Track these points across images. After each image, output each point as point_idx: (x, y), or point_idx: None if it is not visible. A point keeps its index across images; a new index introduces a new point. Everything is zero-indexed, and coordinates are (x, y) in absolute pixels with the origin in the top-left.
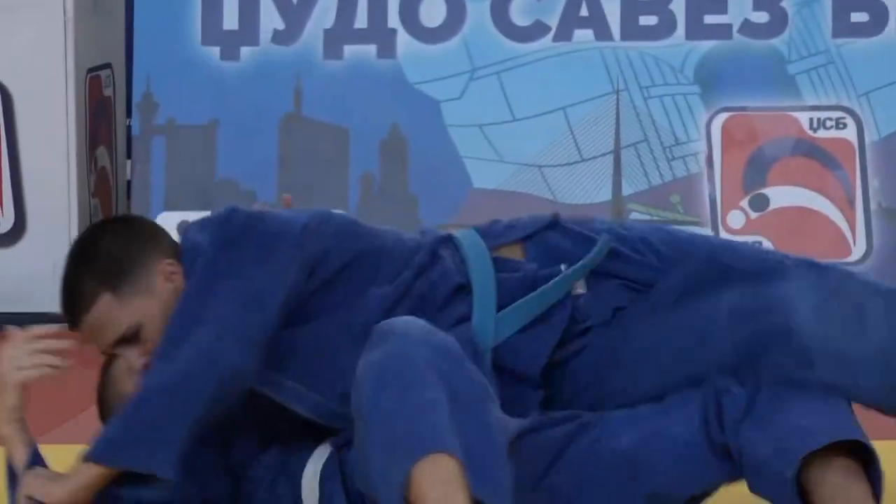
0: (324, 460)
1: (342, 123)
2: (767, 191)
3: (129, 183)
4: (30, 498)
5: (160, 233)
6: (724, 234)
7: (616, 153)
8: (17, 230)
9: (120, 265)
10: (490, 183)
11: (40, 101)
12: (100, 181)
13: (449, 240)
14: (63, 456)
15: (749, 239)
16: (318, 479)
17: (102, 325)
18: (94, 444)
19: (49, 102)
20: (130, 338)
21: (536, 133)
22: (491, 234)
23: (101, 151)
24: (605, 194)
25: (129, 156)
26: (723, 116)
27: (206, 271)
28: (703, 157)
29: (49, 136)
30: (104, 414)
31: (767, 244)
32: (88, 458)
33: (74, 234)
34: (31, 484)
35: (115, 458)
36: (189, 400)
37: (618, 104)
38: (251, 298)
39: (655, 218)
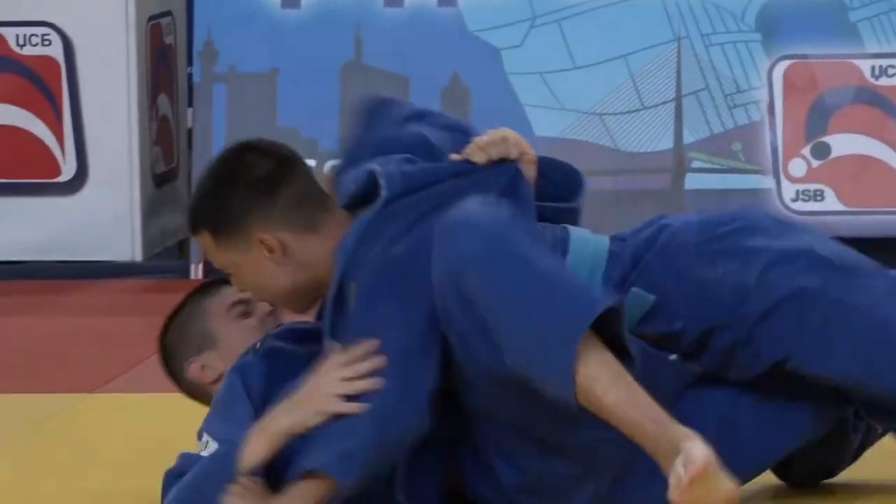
0: None
1: (402, 72)
2: (829, 139)
3: (190, 131)
4: None
5: (283, 196)
6: (785, 183)
7: (677, 101)
8: (79, 179)
9: (224, 216)
10: (551, 131)
11: (102, 50)
12: (161, 129)
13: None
14: (120, 404)
15: (810, 187)
16: None
17: (206, 251)
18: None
19: (110, 51)
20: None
21: (597, 81)
22: None
23: (163, 99)
24: (667, 142)
25: (190, 104)
26: (784, 64)
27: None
28: (764, 105)
29: (110, 84)
30: (166, 358)
31: (829, 192)
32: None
33: (136, 182)
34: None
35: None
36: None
37: (679, 52)
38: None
39: (717, 166)
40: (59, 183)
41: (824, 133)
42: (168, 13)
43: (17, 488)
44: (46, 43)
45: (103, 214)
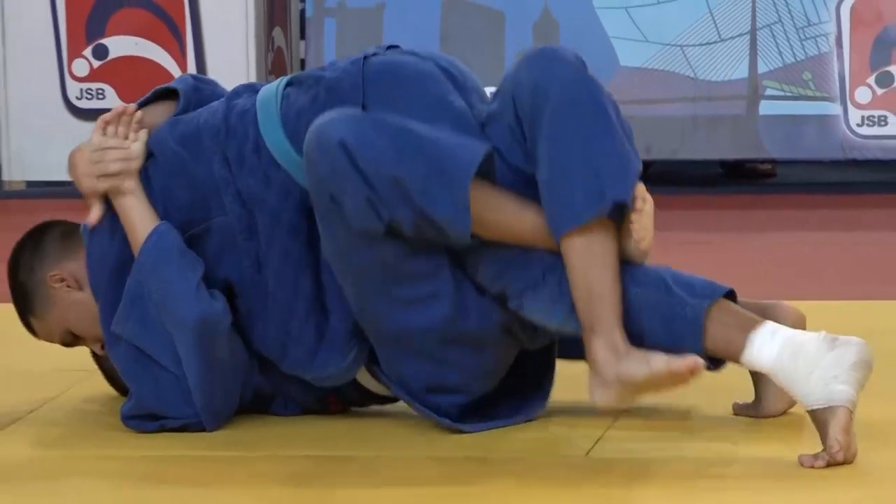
0: None
1: (498, 7)
2: (892, 68)
3: (302, 61)
4: None
5: (45, 244)
6: (852, 109)
7: (752, 34)
8: None
9: (23, 296)
10: (636, 62)
11: None
12: (276, 60)
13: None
14: None
15: (875, 113)
16: None
17: (48, 338)
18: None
19: None
20: (73, 339)
21: (678, 15)
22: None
23: (277, 32)
24: (742, 72)
25: (302, 36)
26: (851, 0)
27: None
28: (832, 38)
29: (230, 18)
30: (104, 368)
31: (892, 118)
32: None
33: None
34: None
35: None
36: None
37: None
38: None
39: (789, 94)
40: None
41: (888, 63)
42: None
43: None
44: None
45: None
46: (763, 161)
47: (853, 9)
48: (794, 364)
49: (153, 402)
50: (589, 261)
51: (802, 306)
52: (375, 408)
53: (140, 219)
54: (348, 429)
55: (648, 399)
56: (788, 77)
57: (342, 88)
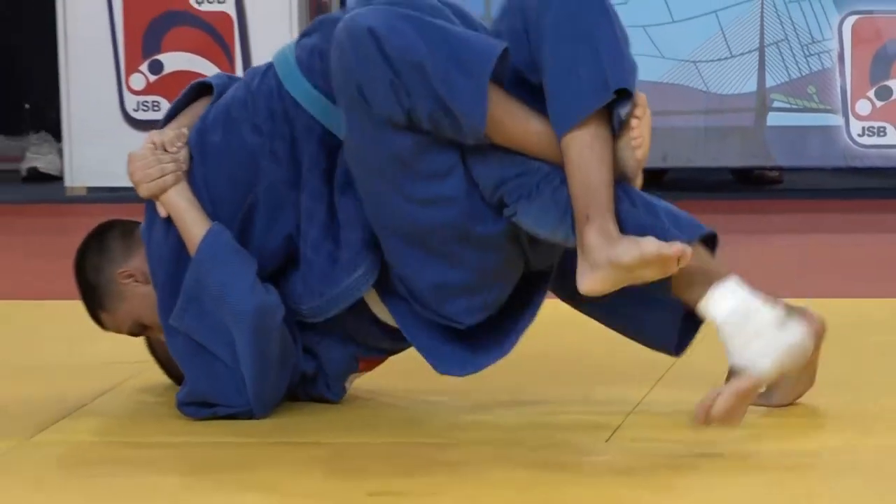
0: None
1: None
2: (891, 82)
3: None
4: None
5: (108, 244)
6: (853, 120)
7: (761, 50)
8: None
9: (94, 290)
10: (652, 76)
11: (268, 5)
12: None
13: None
14: None
15: (875, 124)
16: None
17: (117, 330)
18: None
19: (275, 6)
20: (142, 329)
21: (692, 33)
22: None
23: None
24: (751, 86)
25: None
26: (852, 19)
27: None
28: (835, 54)
29: (275, 35)
30: (159, 359)
31: (890, 128)
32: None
33: None
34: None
35: None
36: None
37: (762, 8)
38: None
39: (794, 106)
40: None
41: (887, 78)
42: None
43: None
44: (221, 1)
45: None
46: (771, 168)
47: (854, 27)
48: (743, 327)
49: (207, 391)
50: (588, 157)
51: (804, 303)
52: (419, 399)
53: (192, 219)
54: (397, 415)
55: (664, 391)
56: (794, 90)
57: None
